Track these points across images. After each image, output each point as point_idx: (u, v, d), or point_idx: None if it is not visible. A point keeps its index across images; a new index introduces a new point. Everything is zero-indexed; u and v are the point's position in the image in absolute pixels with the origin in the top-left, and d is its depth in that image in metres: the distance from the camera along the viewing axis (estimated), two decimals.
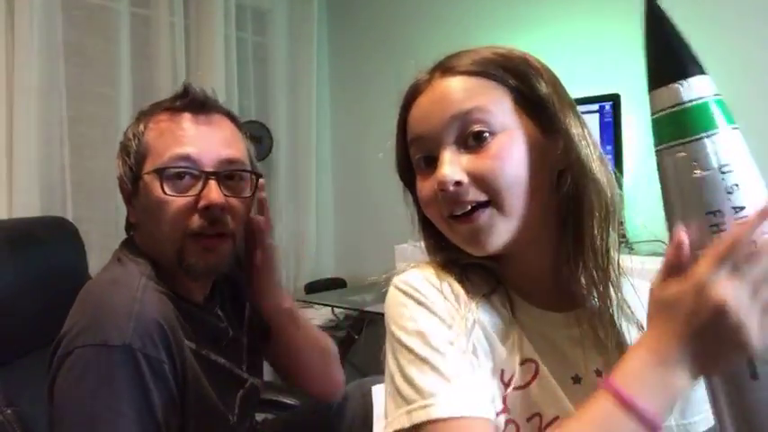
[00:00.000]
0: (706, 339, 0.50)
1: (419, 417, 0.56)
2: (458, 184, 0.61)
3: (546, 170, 0.64)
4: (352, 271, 2.68)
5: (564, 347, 0.65)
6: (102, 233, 1.90)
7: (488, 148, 0.61)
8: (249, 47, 2.54)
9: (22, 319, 1.17)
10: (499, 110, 0.62)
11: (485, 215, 0.61)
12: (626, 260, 1.62)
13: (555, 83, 0.66)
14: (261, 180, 0.97)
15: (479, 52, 0.66)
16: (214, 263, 0.90)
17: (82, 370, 0.78)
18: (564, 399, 0.62)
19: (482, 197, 0.61)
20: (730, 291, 0.49)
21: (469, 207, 0.62)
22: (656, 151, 0.55)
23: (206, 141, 0.90)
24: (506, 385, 0.62)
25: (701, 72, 0.53)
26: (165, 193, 0.86)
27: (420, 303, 0.62)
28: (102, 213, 1.96)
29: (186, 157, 0.87)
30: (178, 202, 0.87)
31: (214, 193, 0.87)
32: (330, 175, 2.83)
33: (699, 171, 0.51)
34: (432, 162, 0.64)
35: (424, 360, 0.58)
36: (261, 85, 2.59)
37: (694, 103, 0.51)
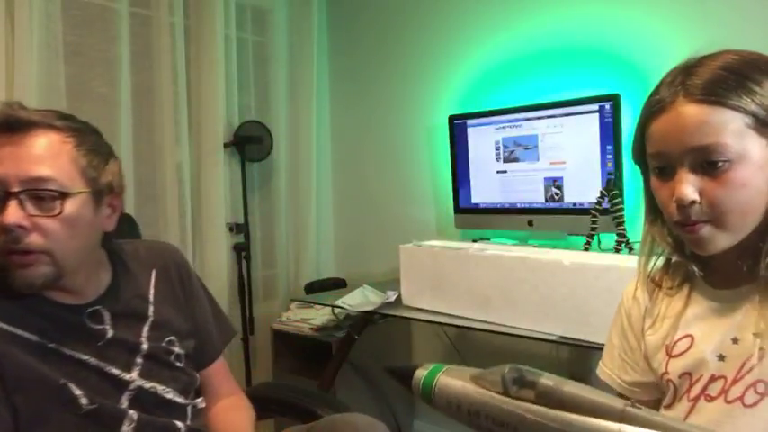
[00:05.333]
0: None
1: None
2: (692, 203, 0.70)
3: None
4: (352, 271, 2.68)
5: (727, 316, 0.76)
6: None
7: (723, 175, 0.69)
8: (249, 47, 2.54)
9: None
10: (735, 141, 0.68)
11: (705, 230, 0.71)
12: (626, 260, 1.62)
13: None
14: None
15: (722, 66, 0.70)
16: (31, 277, 0.92)
17: None
18: (709, 362, 0.75)
19: (704, 217, 0.71)
20: None
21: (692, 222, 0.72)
22: None
23: (13, 161, 0.90)
24: (669, 355, 0.79)
25: None
26: None
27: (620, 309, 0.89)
28: None
29: None
30: None
31: (10, 213, 0.88)
32: (330, 175, 2.83)
33: None
34: (667, 172, 0.73)
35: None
36: (261, 85, 2.59)
37: None
